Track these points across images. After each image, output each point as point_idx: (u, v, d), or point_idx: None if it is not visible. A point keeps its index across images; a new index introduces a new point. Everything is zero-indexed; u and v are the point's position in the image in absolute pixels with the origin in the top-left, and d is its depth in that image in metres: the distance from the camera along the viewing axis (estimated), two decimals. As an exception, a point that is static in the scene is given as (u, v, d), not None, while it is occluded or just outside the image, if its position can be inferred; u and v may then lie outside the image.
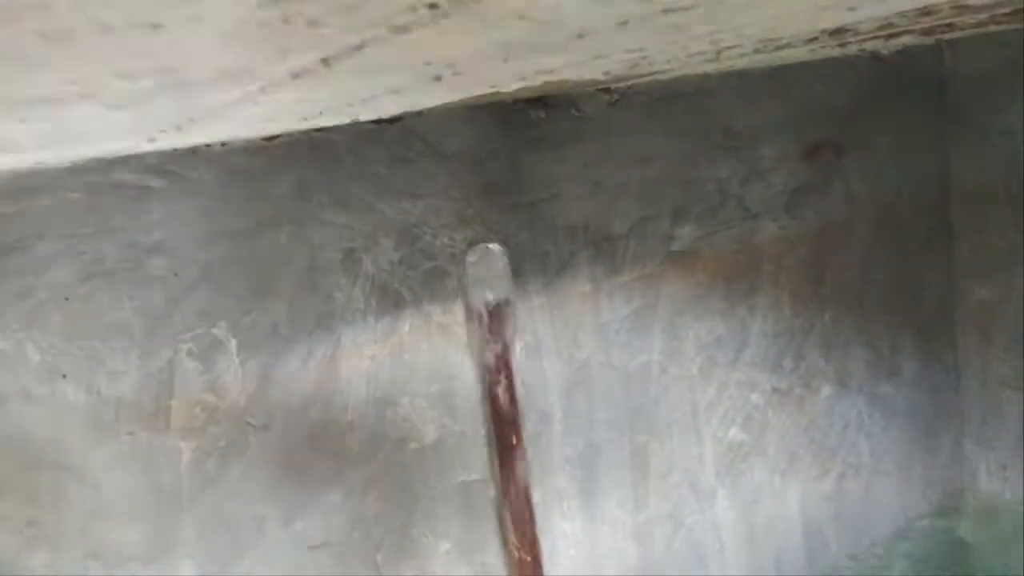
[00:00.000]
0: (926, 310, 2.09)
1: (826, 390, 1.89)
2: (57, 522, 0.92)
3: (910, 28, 0.89)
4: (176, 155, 0.95)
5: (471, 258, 1.29)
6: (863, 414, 1.97)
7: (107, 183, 0.95)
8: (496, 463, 1.32)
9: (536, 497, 1.36)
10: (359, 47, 0.37)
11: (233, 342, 1.03)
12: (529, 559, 1.34)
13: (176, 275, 0.99)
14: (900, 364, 2.05)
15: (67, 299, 0.90)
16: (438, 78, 0.55)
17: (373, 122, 1.14)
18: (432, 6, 0.31)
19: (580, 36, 0.43)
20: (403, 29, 0.34)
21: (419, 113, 1.16)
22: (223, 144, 0.97)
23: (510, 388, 1.33)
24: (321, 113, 0.75)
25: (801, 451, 1.84)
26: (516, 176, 1.33)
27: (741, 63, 1.22)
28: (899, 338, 2.03)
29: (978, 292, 2.07)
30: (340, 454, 1.15)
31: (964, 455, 2.18)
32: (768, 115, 1.67)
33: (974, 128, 1.96)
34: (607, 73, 0.80)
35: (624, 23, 0.41)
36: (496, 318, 1.31)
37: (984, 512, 2.11)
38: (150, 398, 0.97)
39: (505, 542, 1.33)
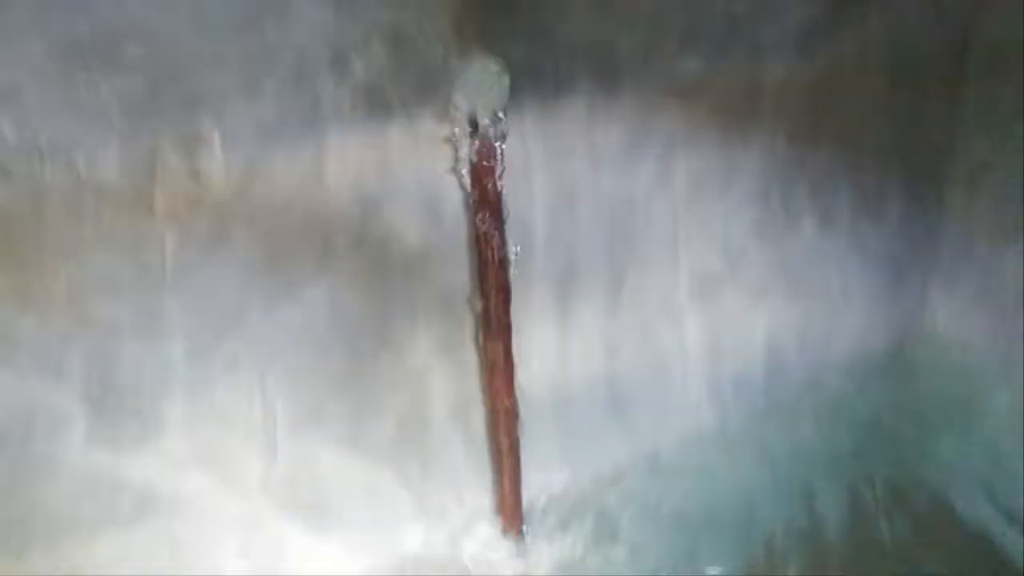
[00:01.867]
0: (921, 158, 1.95)
1: (808, 226, 1.80)
2: (45, 292, 0.90)
3: None
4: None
5: (465, 71, 1.17)
6: (840, 252, 1.89)
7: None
8: (477, 272, 1.28)
9: (514, 306, 1.33)
10: None
11: (217, 136, 0.96)
12: (503, 360, 1.34)
13: (157, 64, 0.89)
14: (885, 207, 1.94)
15: (39, 76, 0.82)
16: None
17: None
18: None
19: None
20: None
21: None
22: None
23: (496, 204, 1.26)
24: None
25: (775, 283, 1.78)
26: (518, -14, 1.18)
27: None
28: (889, 182, 1.91)
29: (976, 146, 1.92)
30: (324, 251, 1.11)
31: (928, 299, 2.13)
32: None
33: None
34: None
35: None
36: (487, 133, 1.21)
37: (936, 352, 2.09)
38: (131, 185, 0.92)
39: (481, 343, 1.31)
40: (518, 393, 1.37)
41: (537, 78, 1.25)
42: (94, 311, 0.93)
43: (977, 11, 1.78)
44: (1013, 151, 1.90)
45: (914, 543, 1.54)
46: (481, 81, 1.20)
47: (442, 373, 1.30)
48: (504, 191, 1.26)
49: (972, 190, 2.00)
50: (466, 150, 1.20)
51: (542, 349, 1.45)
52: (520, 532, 1.43)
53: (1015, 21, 1.73)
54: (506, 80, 1.21)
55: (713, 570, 1.46)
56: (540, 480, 1.51)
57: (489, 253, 1.28)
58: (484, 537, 1.42)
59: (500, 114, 1.22)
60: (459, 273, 1.27)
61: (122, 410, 0.98)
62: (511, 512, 1.43)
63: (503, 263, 1.30)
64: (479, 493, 1.41)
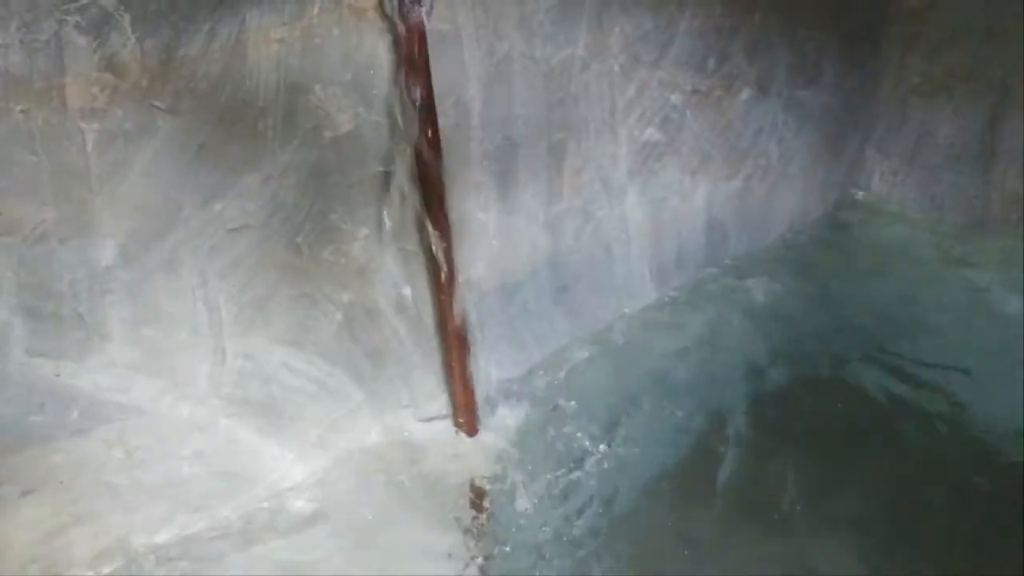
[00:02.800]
0: (856, 15, 2.08)
1: (745, 93, 1.92)
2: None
3: None
4: None
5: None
6: (778, 118, 2.03)
7: None
8: (412, 154, 1.35)
9: (453, 188, 1.41)
10: None
11: (127, 17, 0.97)
12: (444, 244, 1.43)
13: (51, -65, 0.90)
14: (822, 69, 2.08)
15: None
16: None
17: None
18: None
19: None
20: None
21: None
22: None
23: (426, 79, 1.31)
24: None
25: (714, 152, 1.91)
26: None
27: None
28: (825, 43, 2.04)
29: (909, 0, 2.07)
30: (254, 139, 1.15)
31: (864, 160, 2.32)
32: None
33: None
34: None
35: None
36: (412, 2, 1.25)
37: (870, 213, 2.30)
38: (39, 74, 0.93)
39: (422, 230, 1.40)
40: (461, 283, 1.47)
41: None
42: (17, 216, 0.97)
43: None
44: (950, 4, 2.05)
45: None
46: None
47: (386, 264, 1.38)
48: (431, 65, 1.31)
49: (906, 44, 2.16)
50: (389, 23, 1.24)
51: (484, 234, 1.54)
52: (473, 423, 1.57)
53: None
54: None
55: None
56: (490, 366, 1.63)
57: (423, 132, 1.34)
58: (439, 428, 1.55)
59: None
60: (393, 158, 1.33)
61: (61, 318, 1.03)
62: (463, 404, 1.56)
63: (436, 145, 1.37)
64: (431, 385, 1.53)
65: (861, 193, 2.36)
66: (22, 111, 0.94)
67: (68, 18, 0.94)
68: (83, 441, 1.09)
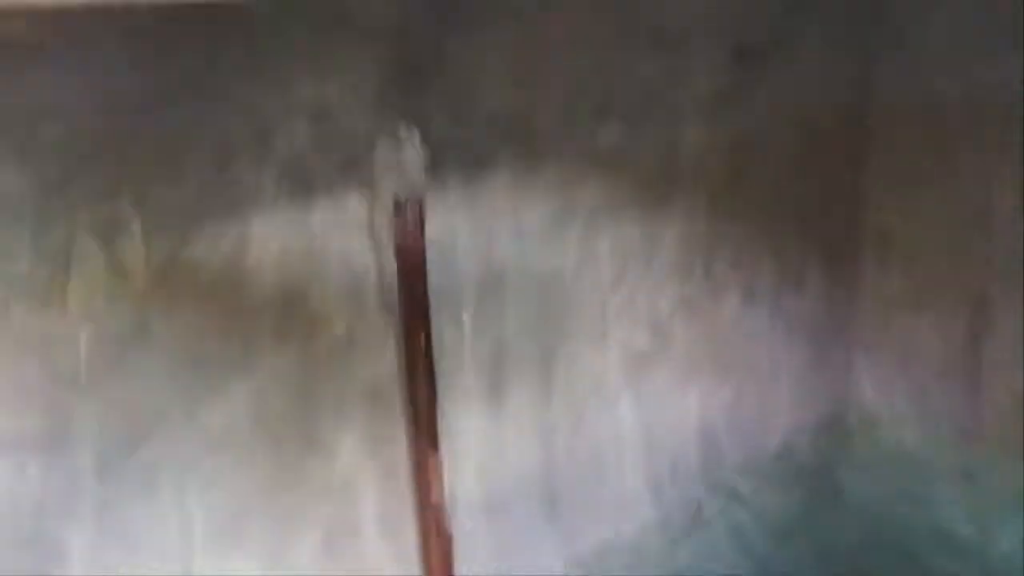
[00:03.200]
0: (835, 225, 2.24)
1: (733, 301, 2.03)
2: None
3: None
4: (74, 9, 0.92)
5: (385, 147, 1.30)
6: (765, 326, 2.13)
7: (-9, 37, 0.91)
8: (403, 360, 1.38)
9: (443, 394, 1.43)
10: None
11: (136, 222, 1.03)
12: (432, 455, 1.43)
13: (72, 145, 0.97)
14: (805, 280, 2.21)
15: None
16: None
17: (292, -10, 1.13)
18: None
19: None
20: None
21: (342, -16, 1.15)
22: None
23: (421, 285, 1.38)
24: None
25: (704, 360, 1.98)
26: (440, 60, 1.34)
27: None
28: (807, 252, 2.19)
29: (881, 212, 2.23)
30: (247, 345, 1.17)
31: (852, 369, 2.40)
32: (697, 15, 1.72)
33: (897, 41, 2.08)
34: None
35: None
36: (410, 211, 1.34)
37: (864, 426, 2.35)
38: (44, 278, 0.97)
39: (410, 438, 1.40)
40: (448, 497, 1.46)
41: (459, 151, 1.40)
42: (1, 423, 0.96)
43: (869, 75, 2.13)
44: (920, 217, 2.22)
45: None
46: (403, 157, 1.34)
47: (371, 477, 1.37)
48: (427, 272, 1.38)
49: (883, 258, 2.32)
50: (390, 228, 1.32)
51: (473, 443, 1.55)
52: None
53: (905, 85, 2.08)
54: (427, 155, 1.36)
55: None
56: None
57: (416, 338, 1.38)
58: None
59: (423, 189, 1.36)
60: (385, 362, 1.37)
61: (20, 540, 1.00)
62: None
63: (428, 351, 1.41)
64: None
65: (854, 402, 2.42)
66: (23, 314, 0.96)
67: (81, 222, 0.99)
68: None
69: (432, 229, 1.37)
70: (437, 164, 1.36)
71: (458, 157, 1.40)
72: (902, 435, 2.29)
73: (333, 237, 1.26)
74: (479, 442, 1.55)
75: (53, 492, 1.02)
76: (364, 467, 1.36)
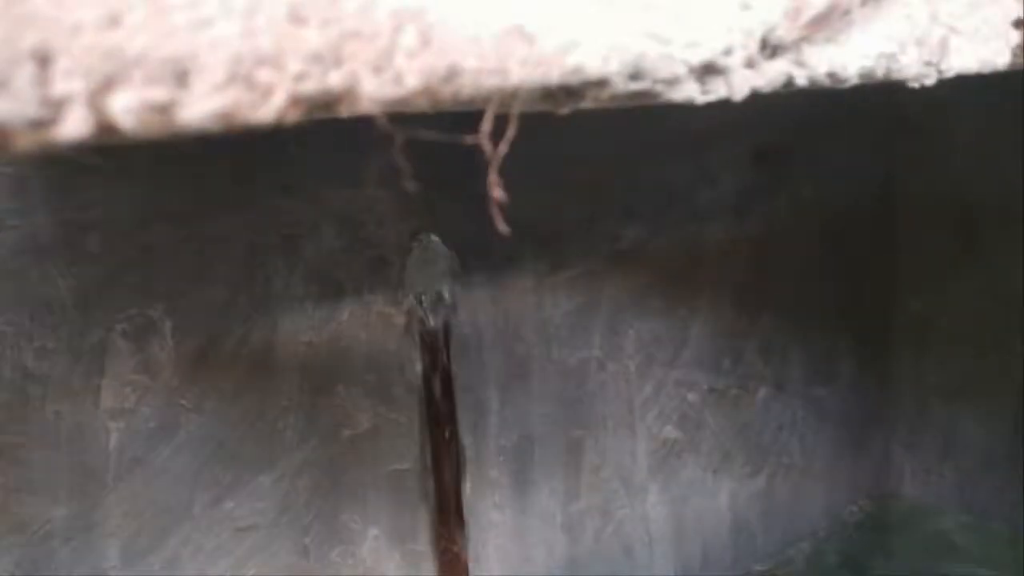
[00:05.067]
0: (864, 318, 2.19)
1: (762, 392, 1.97)
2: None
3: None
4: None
5: (414, 249, 1.32)
6: (797, 416, 2.06)
7: (43, 157, 0.96)
8: (428, 454, 1.37)
9: (468, 486, 1.41)
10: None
11: (168, 323, 1.06)
12: (456, 548, 1.40)
13: (111, 255, 1.01)
14: (836, 369, 2.15)
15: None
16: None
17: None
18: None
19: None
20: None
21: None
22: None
23: (447, 380, 1.37)
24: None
25: (734, 450, 1.92)
26: (466, 168, 1.36)
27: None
28: (837, 344, 2.13)
29: (914, 304, 2.17)
30: (272, 439, 1.18)
31: (891, 460, 2.30)
32: (720, 117, 1.73)
33: (921, 140, 2.06)
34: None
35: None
36: (437, 310, 1.35)
37: (908, 515, 2.23)
38: (79, 377, 0.99)
39: (434, 530, 1.38)
40: (474, 587, 1.42)
41: (485, 253, 1.42)
42: (28, 514, 0.97)
43: (895, 169, 2.10)
44: (949, 305, 2.15)
45: None
46: (430, 261, 1.36)
47: (394, 567, 1.34)
48: (452, 366, 1.38)
49: (916, 346, 2.24)
50: (417, 326, 1.33)
51: (498, 535, 1.51)
52: None
53: (932, 178, 2.04)
54: (454, 260, 1.37)
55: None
56: None
57: (441, 432, 1.37)
58: None
59: (450, 289, 1.37)
60: (410, 456, 1.36)
61: (49, 628, 1.00)
62: None
63: (453, 443, 1.40)
64: None
65: (894, 494, 2.31)
66: (55, 411, 0.98)
67: (117, 325, 1.02)
68: None
69: (460, 325, 1.37)
70: (464, 265, 1.37)
71: (484, 258, 1.41)
72: (944, 527, 2.16)
73: (360, 336, 1.27)
74: (504, 534, 1.51)
75: (80, 581, 1.02)
76: (388, 555, 1.34)
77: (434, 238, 1.35)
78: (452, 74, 0.37)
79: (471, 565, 1.41)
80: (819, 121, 1.90)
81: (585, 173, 1.53)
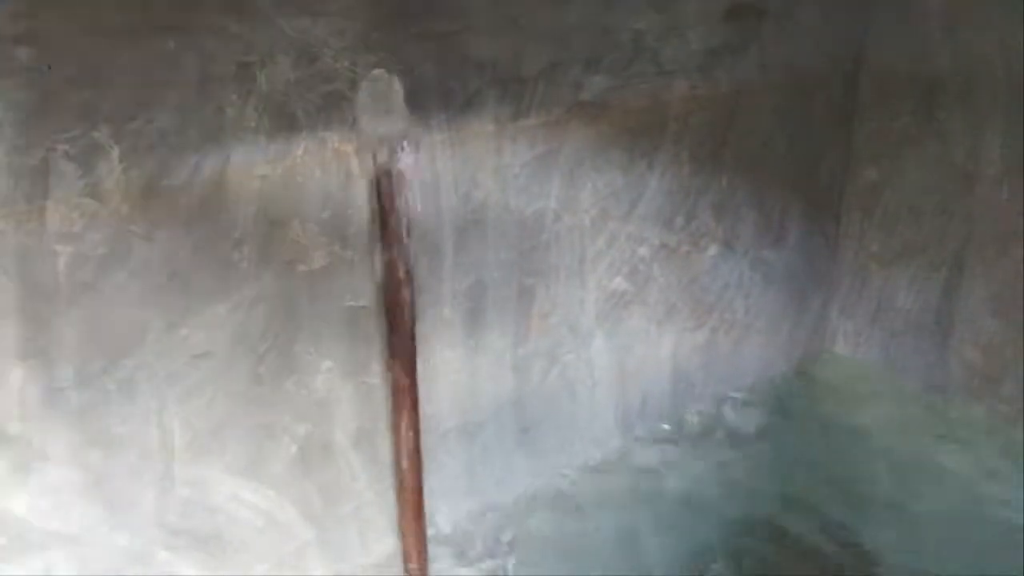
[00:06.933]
0: (819, 183, 2.18)
1: (712, 250, 1.98)
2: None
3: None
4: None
5: (369, 85, 1.27)
6: (744, 275, 2.09)
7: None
8: (383, 291, 1.37)
9: (422, 324, 1.42)
10: None
11: (116, 149, 1.01)
12: (408, 381, 1.42)
13: (49, 69, 0.94)
14: (786, 232, 2.16)
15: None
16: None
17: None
18: None
19: None
20: None
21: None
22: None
23: (403, 221, 1.35)
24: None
25: (680, 304, 1.96)
26: (427, 2, 1.29)
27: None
28: (789, 207, 2.14)
29: (867, 171, 2.17)
30: (227, 269, 1.17)
31: (828, 320, 2.37)
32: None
33: (895, 11, 1.99)
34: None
35: None
36: (392, 149, 1.31)
37: (834, 372, 2.33)
38: (22, 197, 0.96)
39: (386, 364, 1.40)
40: (423, 420, 1.46)
41: (445, 95, 1.36)
42: (-21, 332, 0.96)
43: (865, 38, 2.04)
44: (902, 175, 2.16)
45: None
46: (386, 96, 1.31)
47: (346, 398, 1.38)
48: (409, 208, 1.36)
49: (865, 214, 2.26)
50: (371, 167, 1.30)
51: (449, 371, 1.54)
52: (424, 570, 1.51)
53: (900, 48, 2.00)
54: (412, 96, 1.32)
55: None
56: (445, 510, 1.60)
57: (396, 271, 1.37)
58: (389, 573, 1.49)
59: (406, 128, 1.32)
60: (364, 294, 1.36)
61: (6, 438, 1.01)
62: (415, 550, 1.50)
63: (408, 283, 1.39)
64: (383, 526, 1.49)
65: (826, 352, 2.40)
66: (1, 233, 0.95)
67: (58, 147, 0.97)
68: (8, 570, 1.04)
69: (417, 167, 1.34)
70: (423, 105, 1.33)
71: (444, 99, 1.36)
72: (868, 386, 2.27)
73: (315, 172, 1.24)
74: (456, 370, 1.55)
75: (34, 399, 1.03)
76: (341, 387, 1.37)
77: (391, 75, 1.29)
78: None
79: (421, 397, 1.45)
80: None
81: (551, 16, 1.46)
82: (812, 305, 2.30)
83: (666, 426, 2.01)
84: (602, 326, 1.79)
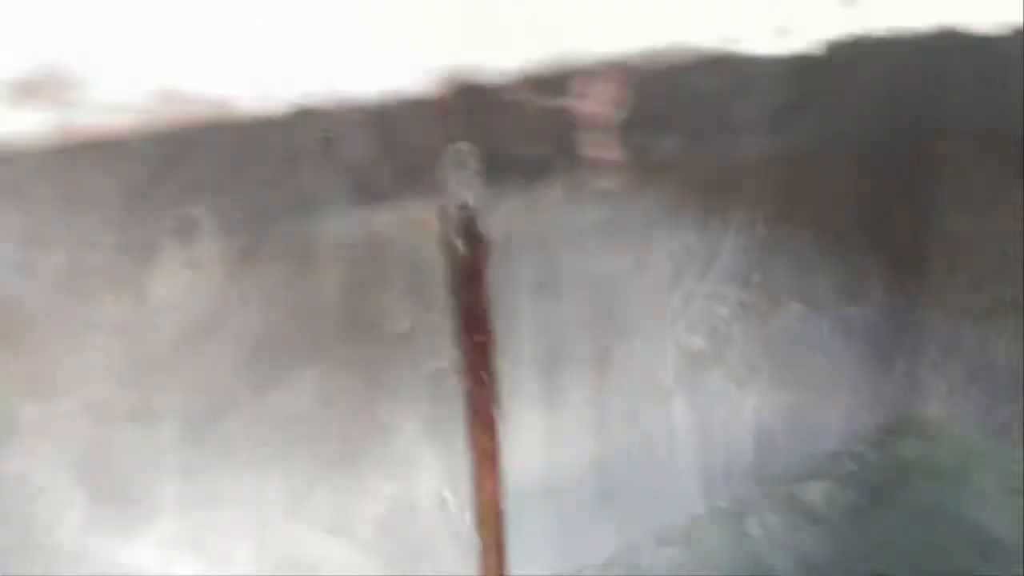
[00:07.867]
0: (900, 239, 2.13)
1: (792, 308, 1.95)
2: (48, 375, 0.99)
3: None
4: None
5: (449, 156, 1.32)
6: (824, 333, 2.04)
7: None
8: (464, 354, 1.39)
9: (502, 386, 1.43)
10: None
11: (212, 223, 1.08)
12: (490, 442, 1.43)
13: (155, 154, 1.02)
14: (868, 289, 2.10)
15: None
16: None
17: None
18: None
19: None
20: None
21: None
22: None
23: (482, 285, 1.38)
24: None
25: (760, 365, 1.91)
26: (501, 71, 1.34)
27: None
28: (869, 263, 2.08)
29: (952, 226, 2.10)
30: (315, 336, 1.21)
31: (918, 379, 2.27)
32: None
33: (971, 62, 1.95)
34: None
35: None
36: (471, 216, 1.34)
37: (929, 434, 2.21)
38: (129, 271, 1.02)
39: (468, 426, 1.41)
40: (504, 481, 1.46)
41: (519, 162, 1.40)
42: (95, 396, 1.03)
43: (944, 92, 2.00)
44: (991, 231, 2.08)
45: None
46: (464, 166, 1.35)
47: (429, 458, 1.39)
48: (487, 272, 1.39)
49: (952, 271, 2.18)
50: (450, 234, 1.34)
51: (529, 433, 1.54)
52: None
53: (971, 109, 1.95)
54: (488, 165, 1.36)
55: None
56: (526, 573, 1.57)
57: (476, 334, 1.39)
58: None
59: (484, 196, 1.36)
60: (446, 356, 1.38)
61: (118, 496, 1.06)
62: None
63: (489, 346, 1.42)
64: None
65: (917, 413, 2.28)
66: (109, 302, 1.02)
67: (163, 224, 1.04)
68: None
69: (493, 233, 1.37)
70: (498, 173, 1.36)
71: (517, 167, 1.40)
72: (968, 450, 2.14)
73: (396, 240, 1.28)
74: (535, 432, 1.55)
75: (144, 457, 1.08)
76: (424, 449, 1.38)
77: (468, 146, 1.34)
78: None
79: (502, 458, 1.45)
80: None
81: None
82: (899, 364, 2.22)
83: (749, 492, 1.94)
84: (682, 386, 1.77)
